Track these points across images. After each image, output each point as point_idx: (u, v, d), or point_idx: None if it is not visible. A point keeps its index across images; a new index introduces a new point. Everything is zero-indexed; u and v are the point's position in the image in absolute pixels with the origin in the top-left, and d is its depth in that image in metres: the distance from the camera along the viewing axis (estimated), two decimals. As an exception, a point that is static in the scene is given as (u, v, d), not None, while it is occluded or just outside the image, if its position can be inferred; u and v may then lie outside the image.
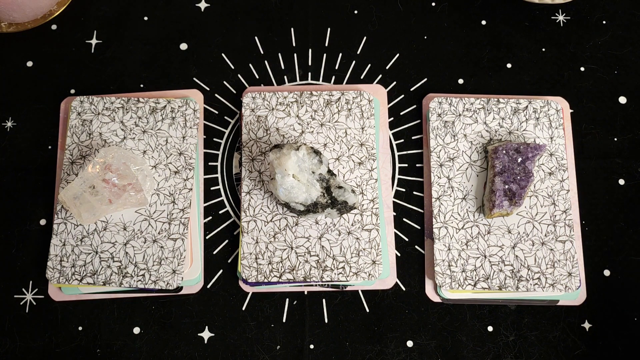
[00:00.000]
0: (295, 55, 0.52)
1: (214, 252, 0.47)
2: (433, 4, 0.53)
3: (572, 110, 0.50)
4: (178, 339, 0.45)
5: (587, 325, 0.46)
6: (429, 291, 0.46)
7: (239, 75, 0.51)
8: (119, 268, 0.45)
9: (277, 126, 0.48)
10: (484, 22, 0.53)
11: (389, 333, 0.45)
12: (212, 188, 0.49)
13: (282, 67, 0.52)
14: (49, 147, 0.49)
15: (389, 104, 0.51)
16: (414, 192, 0.49)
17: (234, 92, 0.51)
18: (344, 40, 0.52)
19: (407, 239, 0.48)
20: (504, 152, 0.46)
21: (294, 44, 0.52)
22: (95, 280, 0.45)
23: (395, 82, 0.51)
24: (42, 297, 0.46)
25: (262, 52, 0.52)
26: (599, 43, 0.52)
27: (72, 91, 0.51)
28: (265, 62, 0.52)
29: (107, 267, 0.45)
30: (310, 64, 0.52)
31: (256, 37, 0.53)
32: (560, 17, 0.53)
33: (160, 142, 0.48)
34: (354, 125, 0.48)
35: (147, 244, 0.45)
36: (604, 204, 0.48)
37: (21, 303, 0.46)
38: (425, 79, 0.51)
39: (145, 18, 0.53)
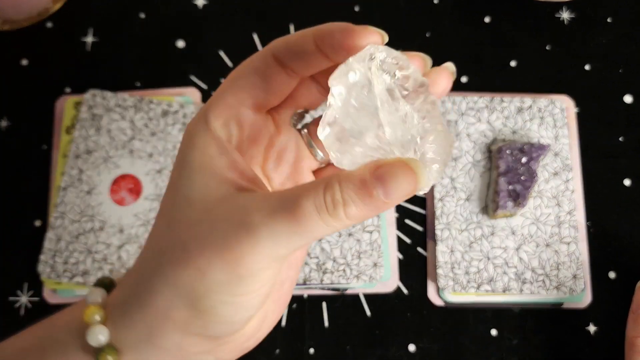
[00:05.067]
0: (294, 53, 0.51)
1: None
2: (435, 1, 0.53)
3: (577, 109, 0.49)
4: (175, 343, 0.44)
5: (592, 328, 0.45)
6: (432, 294, 0.46)
7: (238, 74, 0.51)
8: (110, 271, 0.44)
9: (276, 125, 0.48)
10: (487, 20, 0.52)
11: (390, 337, 0.45)
12: (210, 188, 0.48)
13: (282, 65, 0.51)
14: (44, 146, 0.49)
15: (390, 102, 0.50)
16: (416, 193, 0.48)
17: (233, 90, 0.50)
18: (344, 38, 0.52)
19: (409, 241, 0.47)
20: (508, 152, 0.45)
21: (293, 42, 0.51)
22: (86, 280, 0.44)
23: (396, 81, 0.50)
24: (37, 299, 0.46)
25: (260, 50, 0.51)
26: (603, 41, 0.52)
27: (68, 90, 0.50)
28: (264, 60, 0.51)
29: (99, 268, 0.44)
30: (310, 62, 0.51)
31: (254, 34, 0.52)
32: (565, 15, 0.52)
33: (167, 147, 0.47)
34: (354, 125, 0.48)
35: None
36: (609, 204, 0.47)
37: (16, 305, 0.45)
38: (428, 78, 0.51)
39: (142, 15, 0.52)
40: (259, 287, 0.22)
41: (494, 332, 0.45)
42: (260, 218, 0.21)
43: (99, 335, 0.23)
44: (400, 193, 0.21)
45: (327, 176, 0.22)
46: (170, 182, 0.25)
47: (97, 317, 0.24)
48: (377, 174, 0.21)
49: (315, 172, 0.29)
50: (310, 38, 0.23)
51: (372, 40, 0.23)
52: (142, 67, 0.51)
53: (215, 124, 0.24)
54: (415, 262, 0.46)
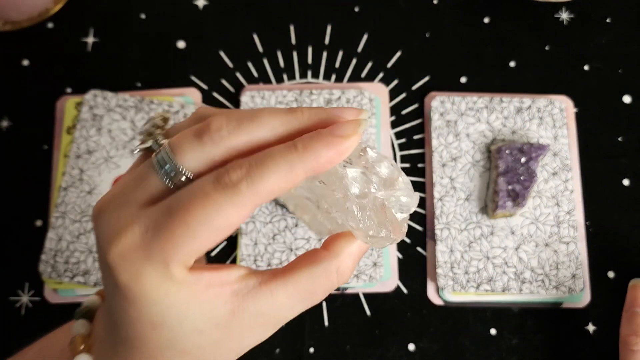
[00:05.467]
0: (294, 53, 0.51)
1: (212, 254, 0.46)
2: (435, 1, 0.53)
3: (576, 110, 0.50)
4: (176, 342, 0.44)
5: (591, 327, 0.45)
6: (431, 294, 0.46)
7: (238, 74, 0.51)
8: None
9: (276, 125, 0.48)
10: (486, 20, 0.52)
11: (390, 336, 0.45)
12: (210, 188, 0.48)
13: (282, 65, 0.51)
14: (45, 146, 0.49)
15: (390, 102, 0.50)
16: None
17: (232, 90, 0.50)
18: (344, 38, 0.52)
19: (408, 241, 0.47)
20: (507, 152, 0.45)
21: (293, 42, 0.51)
22: (87, 280, 0.44)
23: (396, 81, 0.50)
24: (38, 299, 0.46)
25: (260, 50, 0.51)
26: (602, 42, 0.52)
27: (69, 90, 0.50)
28: (264, 60, 0.51)
29: (99, 268, 0.44)
30: (310, 62, 0.51)
31: (255, 35, 0.52)
32: (564, 15, 0.52)
33: None
34: (354, 125, 0.48)
35: None
36: (608, 204, 0.47)
37: (17, 305, 0.45)
38: (428, 78, 0.51)
39: (143, 16, 0.52)
40: None
41: (493, 331, 0.45)
42: (287, 315, 0.24)
43: None
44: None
45: (331, 261, 0.24)
46: (154, 324, 0.22)
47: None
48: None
49: None
50: (302, 176, 0.22)
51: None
52: (142, 68, 0.51)
53: (181, 275, 0.22)
54: (415, 262, 0.46)
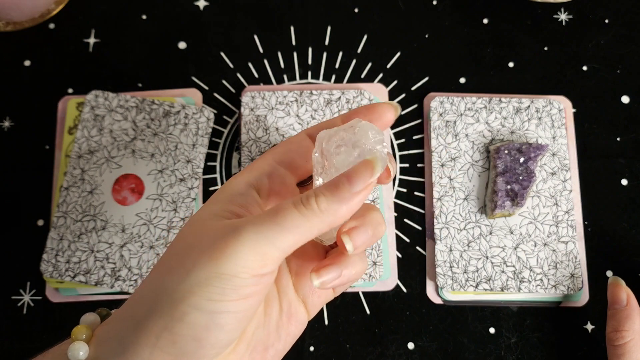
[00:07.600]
0: (295, 53, 0.51)
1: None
2: (434, 2, 0.53)
3: (574, 110, 0.50)
4: (176, 341, 0.45)
5: (589, 326, 0.45)
6: (430, 293, 0.46)
7: (238, 74, 0.51)
8: (112, 270, 0.44)
9: (276, 126, 0.48)
10: (485, 21, 0.52)
11: (389, 335, 0.45)
12: (210, 188, 0.48)
13: (282, 66, 0.51)
14: (47, 146, 0.49)
15: (389, 103, 0.50)
16: (415, 193, 0.48)
17: (233, 91, 0.51)
18: (344, 39, 0.52)
19: (408, 240, 0.47)
20: (506, 152, 0.45)
21: (293, 43, 0.52)
22: (88, 279, 0.44)
23: (396, 81, 0.51)
24: (40, 298, 0.46)
25: (261, 51, 0.52)
26: (601, 42, 0.52)
27: (70, 90, 0.50)
28: (265, 60, 0.51)
29: (101, 267, 0.45)
30: (310, 62, 0.51)
31: (255, 36, 0.52)
32: (563, 16, 0.52)
33: (169, 147, 0.47)
34: (354, 125, 0.48)
35: (143, 249, 0.45)
36: (606, 204, 0.48)
37: (18, 304, 0.46)
38: (427, 78, 0.51)
39: (144, 17, 0.53)
40: (235, 297, 0.24)
41: (492, 330, 0.45)
42: (246, 221, 0.24)
43: (79, 352, 0.26)
44: (361, 178, 0.25)
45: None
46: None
47: (83, 335, 0.27)
48: (345, 174, 0.25)
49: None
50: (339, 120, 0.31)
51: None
52: (144, 68, 0.51)
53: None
54: (414, 261, 0.47)
